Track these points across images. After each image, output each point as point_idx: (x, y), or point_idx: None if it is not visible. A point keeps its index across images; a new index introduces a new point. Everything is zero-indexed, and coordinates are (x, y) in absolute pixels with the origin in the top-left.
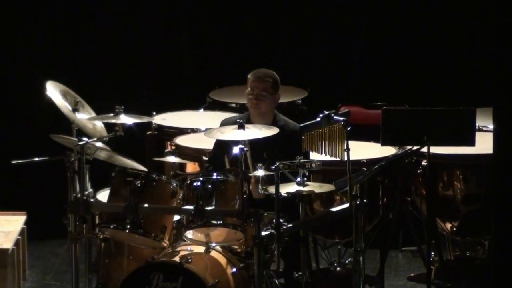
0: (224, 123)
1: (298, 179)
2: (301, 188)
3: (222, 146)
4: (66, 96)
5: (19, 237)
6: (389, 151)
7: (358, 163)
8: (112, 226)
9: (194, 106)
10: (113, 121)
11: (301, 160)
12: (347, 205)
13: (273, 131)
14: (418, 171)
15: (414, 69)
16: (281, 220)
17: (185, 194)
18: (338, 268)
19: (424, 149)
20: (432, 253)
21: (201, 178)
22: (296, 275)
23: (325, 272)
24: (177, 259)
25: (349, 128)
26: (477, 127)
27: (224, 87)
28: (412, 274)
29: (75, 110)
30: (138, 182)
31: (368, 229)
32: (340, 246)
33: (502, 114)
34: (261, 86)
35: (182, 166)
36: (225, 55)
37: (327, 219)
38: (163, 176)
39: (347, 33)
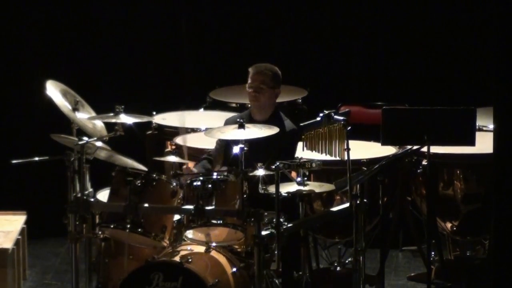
0: (228, 122)
1: (298, 179)
2: (301, 187)
3: (224, 143)
4: (66, 96)
5: (19, 237)
6: (389, 150)
7: (358, 162)
8: (112, 226)
9: (194, 106)
10: (113, 120)
11: (301, 160)
12: (347, 204)
13: (273, 130)
14: (418, 171)
15: (414, 69)
16: (281, 220)
17: (185, 194)
18: (338, 268)
19: (424, 149)
20: (432, 252)
21: (201, 178)
22: (296, 275)
23: (325, 272)
24: (177, 258)
25: (349, 128)
26: (477, 127)
27: (224, 87)
28: (412, 274)
29: (75, 109)
30: (138, 181)
31: (368, 229)
32: (340, 246)
33: (502, 114)
34: (260, 79)
35: (182, 166)
36: (225, 55)
37: (327, 219)
38: (163, 175)
39: (347, 33)
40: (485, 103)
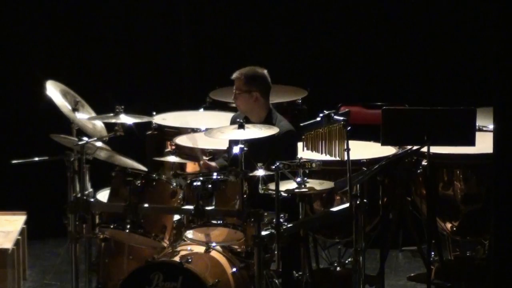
0: (235, 119)
1: (298, 179)
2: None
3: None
4: (66, 96)
5: (19, 237)
6: (389, 151)
7: (358, 163)
8: (112, 226)
9: (194, 106)
10: (113, 121)
11: (301, 160)
12: (347, 205)
13: (273, 130)
14: (418, 171)
15: (414, 69)
16: (281, 220)
17: (185, 194)
18: (338, 268)
19: (424, 149)
20: (432, 253)
21: (201, 178)
22: (296, 275)
23: (325, 272)
24: (177, 259)
25: (349, 128)
26: (477, 127)
27: (224, 87)
28: (412, 274)
29: (75, 109)
30: (138, 182)
31: (368, 229)
32: (340, 246)
33: (502, 114)
34: (236, 85)
35: (182, 166)
36: (225, 55)
37: (327, 219)
38: (163, 176)
39: (347, 33)
40: (485, 103)
